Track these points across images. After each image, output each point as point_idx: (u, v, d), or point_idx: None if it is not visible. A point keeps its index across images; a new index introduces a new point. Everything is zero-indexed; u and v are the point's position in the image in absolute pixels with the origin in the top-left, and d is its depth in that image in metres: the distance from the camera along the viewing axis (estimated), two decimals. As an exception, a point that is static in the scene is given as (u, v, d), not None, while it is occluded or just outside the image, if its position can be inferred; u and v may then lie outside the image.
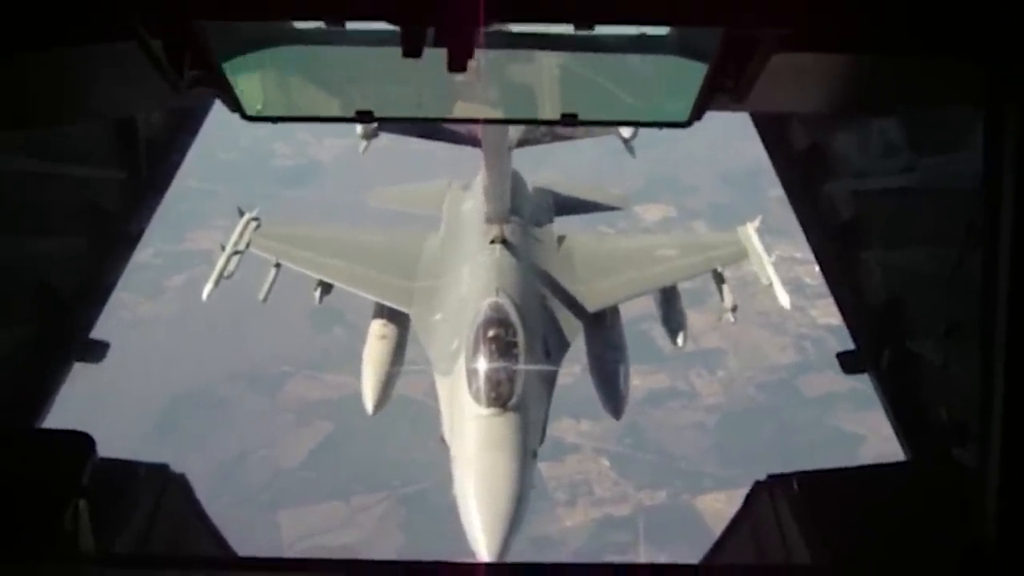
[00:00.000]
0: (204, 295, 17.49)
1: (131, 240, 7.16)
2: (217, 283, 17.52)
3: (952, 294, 5.08)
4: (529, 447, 13.30)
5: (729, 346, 61.18)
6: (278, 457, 56.05)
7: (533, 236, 18.23)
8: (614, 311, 17.97)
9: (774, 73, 4.19)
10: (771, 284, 17.69)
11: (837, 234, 6.94)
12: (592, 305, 17.15)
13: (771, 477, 5.00)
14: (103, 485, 4.31)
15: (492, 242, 16.37)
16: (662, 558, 54.98)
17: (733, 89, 4.47)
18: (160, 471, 5.20)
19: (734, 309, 18.62)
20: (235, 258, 18.02)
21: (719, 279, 18.70)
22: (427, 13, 3.09)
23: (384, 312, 17.92)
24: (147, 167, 7.11)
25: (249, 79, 4.63)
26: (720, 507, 57.04)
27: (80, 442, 4.35)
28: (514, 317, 14.22)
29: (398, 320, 17.73)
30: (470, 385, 13.44)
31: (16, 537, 3.95)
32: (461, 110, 5.45)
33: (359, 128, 18.33)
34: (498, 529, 12.46)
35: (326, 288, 18.68)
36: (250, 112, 4.88)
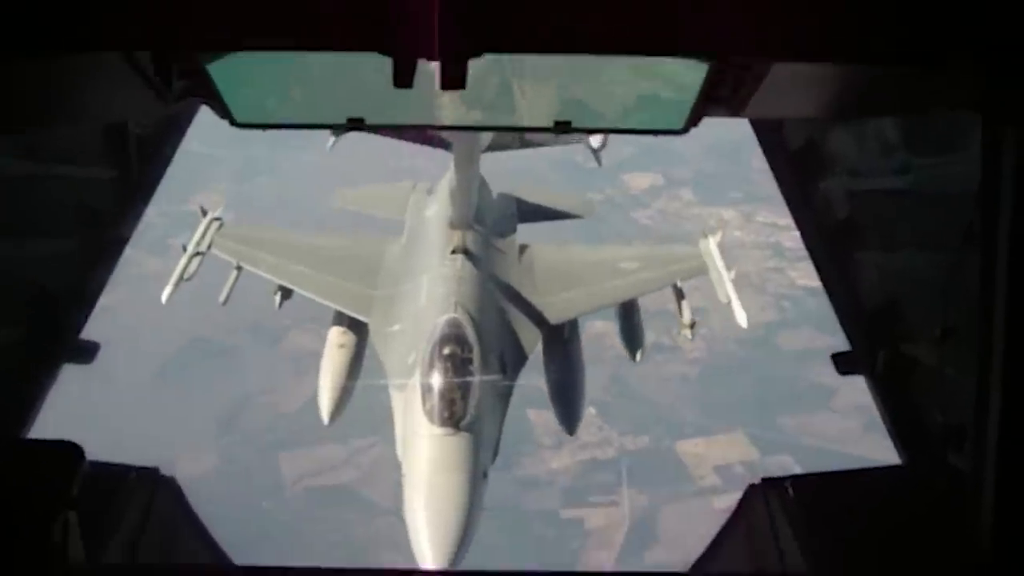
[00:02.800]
0: (163, 298, 16.65)
1: (121, 239, 6.90)
2: (176, 285, 16.75)
3: (948, 298, 4.91)
4: (481, 467, 12.97)
5: (711, 305, 61.11)
6: (278, 403, 56.39)
7: (495, 246, 17.61)
8: (573, 325, 17.44)
9: (771, 82, 4.03)
10: (729, 302, 16.93)
11: (833, 235, 6.71)
12: (552, 318, 16.63)
13: (765, 481, 4.80)
14: (92, 491, 4.12)
15: (453, 252, 15.85)
16: (644, 499, 55.48)
17: (730, 99, 4.32)
18: (150, 475, 5.00)
19: (692, 326, 18.03)
20: (196, 259, 17.25)
21: (679, 295, 18.12)
22: (419, 45, 2.94)
23: (344, 320, 17.24)
24: (138, 165, 6.84)
25: (238, 87, 4.44)
26: (699, 451, 57.53)
27: (69, 452, 4.13)
28: (471, 334, 13.82)
29: (357, 329, 17.05)
30: (424, 403, 13.07)
31: (3, 550, 3.77)
32: (453, 117, 5.22)
33: None
34: (446, 550, 12.17)
35: (286, 293, 17.93)
36: (240, 120, 4.72)
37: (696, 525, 56.18)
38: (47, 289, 6.17)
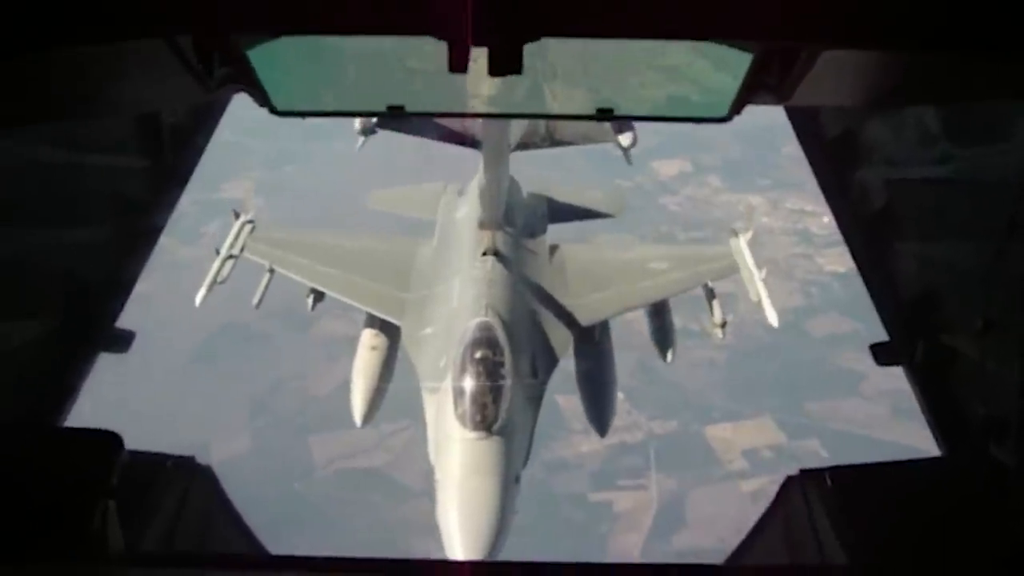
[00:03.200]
0: (197, 301, 16.65)
1: (155, 228, 6.88)
2: (211, 288, 16.74)
3: (990, 288, 4.78)
4: (513, 471, 12.88)
5: (740, 291, 60.86)
6: (309, 387, 56.73)
7: (525, 247, 17.47)
8: (604, 326, 17.25)
9: (816, 70, 3.95)
10: (759, 300, 16.71)
11: (870, 224, 6.55)
12: (583, 319, 16.47)
13: (803, 472, 4.70)
14: (130, 480, 4.12)
15: (484, 254, 15.70)
16: (672, 483, 55.44)
17: (775, 86, 4.24)
18: (187, 463, 4.98)
19: (723, 325, 17.85)
20: (229, 263, 17.26)
21: (710, 294, 17.91)
22: (473, 30, 2.90)
23: (376, 322, 17.14)
24: (171, 154, 6.82)
25: (278, 75, 4.43)
26: (727, 436, 57.37)
27: (108, 441, 4.15)
28: (502, 338, 13.70)
29: (389, 331, 16.94)
30: (456, 407, 12.98)
31: (45, 538, 3.80)
32: (494, 105, 5.16)
33: (356, 124, 17.25)
34: (479, 554, 12.15)
35: (318, 296, 17.84)
36: (280, 108, 4.71)
37: (724, 509, 56.20)
38: (82, 278, 6.17)
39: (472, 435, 12.74)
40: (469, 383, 13.10)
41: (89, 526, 3.88)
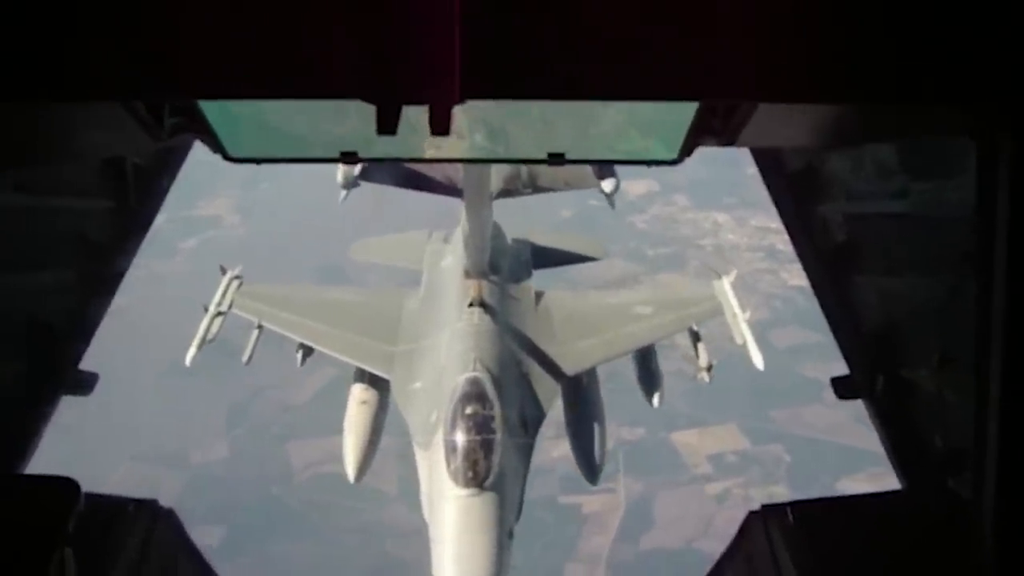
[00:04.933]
0: (187, 360, 16.41)
1: (118, 271, 6.66)
2: (200, 347, 16.50)
3: (946, 322, 4.71)
4: (506, 526, 12.68)
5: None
6: (286, 396, 56.43)
7: (511, 295, 17.13)
8: (591, 372, 16.98)
9: (762, 115, 3.92)
10: (744, 343, 16.53)
11: (831, 259, 6.47)
12: (570, 368, 16.14)
13: (765, 507, 4.65)
14: (89, 526, 3.98)
15: (471, 305, 15.39)
16: (640, 486, 55.55)
17: (721, 131, 4.21)
18: (148, 507, 4.81)
19: (709, 368, 17.63)
20: (218, 319, 16.98)
21: (695, 337, 17.67)
22: (403, 93, 2.85)
23: (365, 376, 16.78)
24: (135, 197, 6.59)
25: (230, 123, 4.35)
26: (693, 442, 57.62)
27: (66, 488, 3.99)
28: (492, 392, 13.43)
29: (379, 385, 16.58)
30: (448, 464, 12.75)
31: None
32: (447, 151, 5.06)
33: (339, 177, 16.89)
34: None
35: (307, 350, 17.52)
36: (232, 155, 4.62)
37: (690, 510, 56.48)
38: (45, 321, 5.94)
39: (465, 492, 12.50)
40: (461, 439, 12.85)
41: (45, 575, 3.74)
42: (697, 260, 75.33)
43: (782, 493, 57.21)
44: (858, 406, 6.29)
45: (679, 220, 75.17)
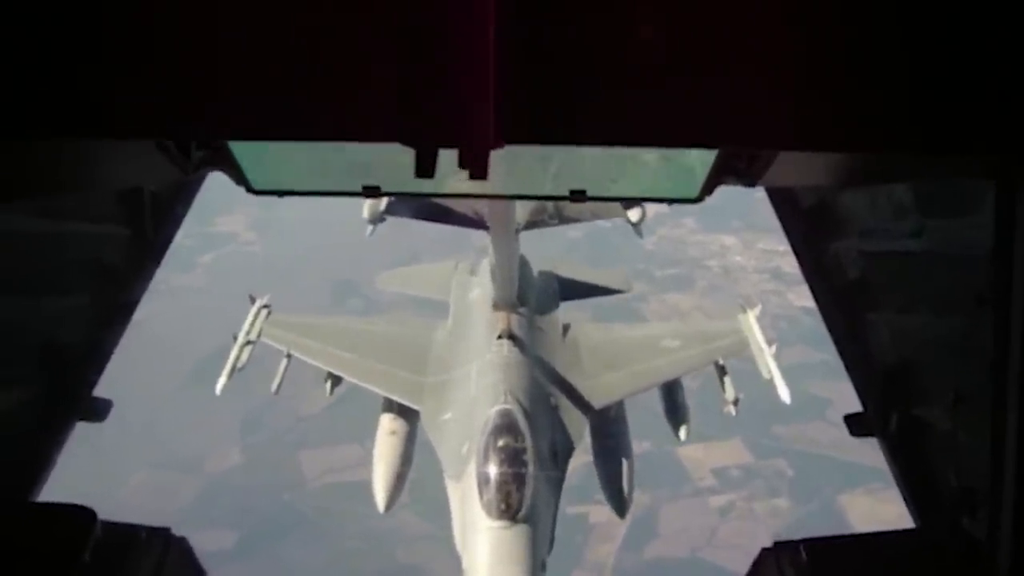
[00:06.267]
0: (217, 390, 16.28)
1: (133, 299, 6.55)
2: (230, 376, 16.38)
3: (962, 361, 4.56)
4: (539, 558, 12.49)
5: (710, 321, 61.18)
6: (299, 407, 56.34)
7: (539, 327, 16.98)
8: (619, 405, 16.79)
9: (784, 158, 3.90)
10: (771, 378, 16.16)
11: (846, 296, 6.32)
12: (598, 401, 15.94)
13: (778, 544, 4.53)
14: (103, 554, 3.90)
15: (499, 337, 15.28)
16: (646, 498, 55.33)
17: (745, 172, 4.18)
18: (161, 535, 4.71)
19: (736, 402, 17.26)
20: (247, 349, 16.83)
21: (721, 371, 17.37)
22: (441, 137, 2.82)
23: (394, 406, 16.61)
24: (151, 224, 6.50)
25: (255, 157, 4.35)
26: (698, 456, 57.33)
27: (82, 516, 3.94)
28: (523, 424, 13.29)
29: (408, 415, 16.42)
30: (480, 496, 12.61)
31: None
32: (469, 187, 4.94)
33: (365, 212, 16.70)
34: None
35: (336, 380, 17.34)
36: (256, 187, 4.61)
37: (694, 522, 56.29)
38: (59, 347, 5.86)
39: (498, 524, 12.35)
40: (493, 471, 12.70)
41: None
42: (704, 281, 75.60)
43: (784, 506, 57.04)
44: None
45: (687, 242, 75.11)
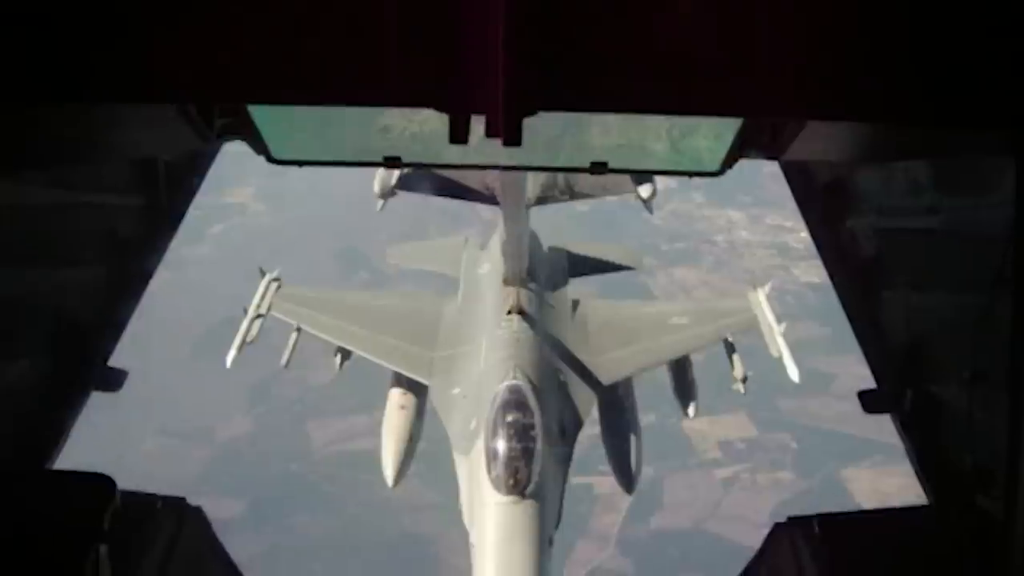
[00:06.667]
0: (228, 362, 16.10)
1: (148, 270, 6.57)
2: (240, 349, 16.18)
3: (978, 340, 4.51)
4: (547, 534, 12.42)
5: (718, 298, 61.09)
6: (308, 376, 56.50)
7: (549, 303, 16.77)
8: (627, 382, 16.57)
9: (806, 130, 3.88)
10: (780, 356, 15.94)
11: (861, 273, 6.28)
12: (607, 378, 15.76)
13: (791, 519, 4.55)
14: (121, 523, 3.93)
15: (509, 312, 15.11)
16: (651, 470, 55.55)
17: (768, 145, 4.17)
18: (177, 505, 4.80)
19: (744, 380, 16.99)
20: (257, 322, 16.66)
21: (730, 348, 17.13)
22: (474, 103, 2.82)
23: (403, 381, 16.46)
24: (166, 195, 6.51)
25: (277, 125, 4.34)
26: (703, 428, 57.41)
27: (101, 485, 3.97)
28: (532, 400, 13.16)
29: (417, 389, 16.28)
30: (489, 471, 12.48)
31: None
32: (491, 157, 4.97)
33: (376, 186, 16.39)
34: None
35: (345, 354, 17.22)
36: (277, 157, 4.60)
37: (698, 494, 56.50)
38: (75, 318, 5.90)
39: (506, 499, 12.24)
40: (502, 446, 12.59)
41: (82, 571, 3.74)
42: (711, 255, 75.36)
43: (788, 479, 57.21)
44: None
45: (695, 216, 74.89)
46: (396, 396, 16.59)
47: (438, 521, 47.86)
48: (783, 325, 16.41)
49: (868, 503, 52.84)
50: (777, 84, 3.09)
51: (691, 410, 17.96)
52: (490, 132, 2.85)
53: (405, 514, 52.52)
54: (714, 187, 73.87)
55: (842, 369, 52.10)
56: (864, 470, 55.59)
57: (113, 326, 6.28)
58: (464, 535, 13.02)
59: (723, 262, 71.55)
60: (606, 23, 2.93)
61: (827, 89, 3.11)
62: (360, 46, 2.91)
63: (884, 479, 50.94)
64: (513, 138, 2.85)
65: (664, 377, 17.79)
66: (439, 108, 2.87)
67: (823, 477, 57.19)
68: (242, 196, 73.63)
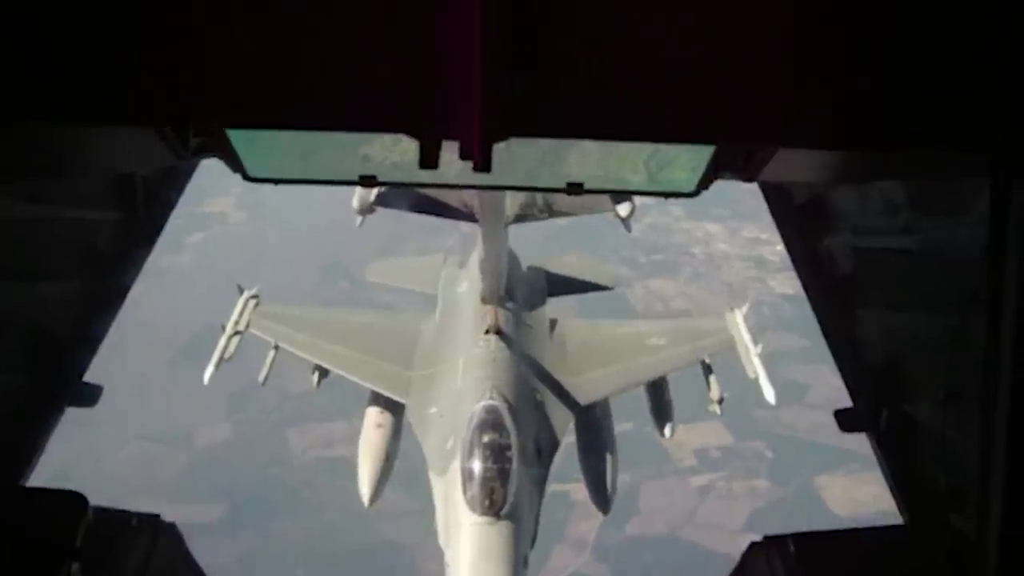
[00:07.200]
0: (205, 379, 16.08)
1: (124, 284, 6.50)
2: (218, 366, 16.17)
3: (952, 359, 4.52)
4: (521, 554, 12.36)
5: (695, 309, 61.33)
6: (287, 384, 56.25)
7: (526, 323, 16.65)
8: (604, 402, 16.52)
9: (782, 154, 3.88)
10: (757, 377, 16.07)
11: (838, 293, 6.30)
12: (584, 398, 15.70)
13: (767, 538, 4.55)
14: (94, 540, 3.90)
15: (487, 332, 15.00)
16: (627, 477, 55.59)
17: (742, 167, 4.17)
18: (151, 521, 4.73)
19: (720, 401, 17.17)
20: (235, 339, 16.60)
21: (707, 370, 17.21)
22: (445, 129, 2.81)
23: (380, 399, 16.37)
24: (143, 210, 6.44)
25: (252, 144, 4.28)
26: (679, 437, 56.91)
27: (74, 501, 3.93)
28: (508, 420, 13.06)
29: (394, 408, 16.17)
30: (464, 491, 12.42)
31: None
32: (467, 178, 4.81)
33: (355, 203, 16.35)
34: None
35: (323, 372, 17.12)
36: (252, 175, 4.57)
37: (674, 501, 56.60)
38: (51, 333, 5.81)
39: (481, 519, 12.18)
40: (477, 467, 12.52)
41: None
42: (689, 267, 75.63)
43: (763, 487, 57.36)
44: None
45: (673, 229, 75.10)
46: (373, 415, 16.46)
47: (416, 528, 47.68)
48: (759, 347, 16.46)
49: (843, 511, 53.24)
50: (751, 113, 3.08)
51: (667, 431, 17.99)
52: (464, 156, 2.84)
53: (382, 521, 52.26)
54: (692, 201, 73.95)
55: (817, 379, 52.46)
56: (839, 478, 55.82)
57: (89, 341, 6.20)
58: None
59: (701, 274, 71.71)
60: (581, 52, 2.93)
61: (802, 116, 3.11)
62: (334, 73, 2.90)
63: (859, 487, 51.13)
64: (485, 165, 2.83)
65: (640, 389, 17.75)
66: (411, 134, 2.87)
67: (798, 485, 57.38)
68: (222, 205, 73.20)
